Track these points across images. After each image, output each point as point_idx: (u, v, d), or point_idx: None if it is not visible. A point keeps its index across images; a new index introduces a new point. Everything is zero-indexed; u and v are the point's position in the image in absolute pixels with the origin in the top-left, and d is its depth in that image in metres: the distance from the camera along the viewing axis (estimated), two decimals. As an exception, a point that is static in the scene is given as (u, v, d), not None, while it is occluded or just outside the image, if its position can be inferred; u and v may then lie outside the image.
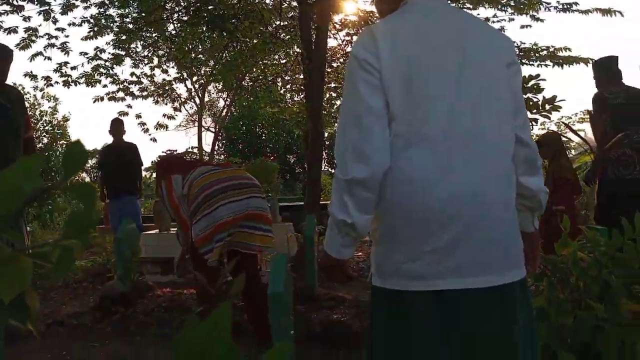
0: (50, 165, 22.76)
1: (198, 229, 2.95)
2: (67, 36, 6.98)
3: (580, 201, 6.27)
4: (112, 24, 7.52)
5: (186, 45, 9.10)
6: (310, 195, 6.28)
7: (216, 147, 18.69)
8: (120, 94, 8.38)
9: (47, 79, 7.24)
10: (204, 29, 8.12)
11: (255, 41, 8.94)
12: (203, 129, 18.08)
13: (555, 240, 2.18)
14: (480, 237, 1.32)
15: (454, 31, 1.43)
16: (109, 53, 7.78)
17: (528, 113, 4.21)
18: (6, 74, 3.42)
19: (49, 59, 7.00)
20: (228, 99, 17.81)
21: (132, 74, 8.57)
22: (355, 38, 8.80)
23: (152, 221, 7.78)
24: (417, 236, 1.33)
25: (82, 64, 7.57)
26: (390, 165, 1.35)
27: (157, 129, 9.54)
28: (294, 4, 8.10)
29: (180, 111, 12.42)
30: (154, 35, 8.38)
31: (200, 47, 9.83)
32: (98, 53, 7.69)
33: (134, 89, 8.58)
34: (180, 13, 8.02)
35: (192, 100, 15.61)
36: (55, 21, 6.76)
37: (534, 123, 4.31)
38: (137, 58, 8.55)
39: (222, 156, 22.11)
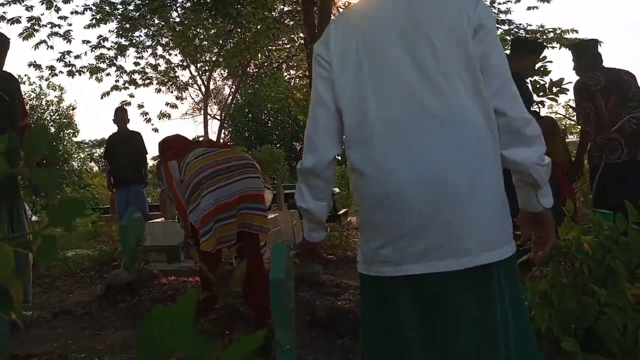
0: (57, 154, 22.87)
1: (195, 216, 2.94)
2: (69, 24, 6.95)
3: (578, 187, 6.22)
4: (115, 12, 7.50)
5: (190, 32, 9.07)
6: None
7: (222, 135, 18.68)
8: (123, 84, 8.36)
9: (52, 68, 7.25)
10: (207, 15, 8.08)
11: (259, 27, 8.89)
12: (209, 117, 18.07)
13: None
14: (446, 219, 1.28)
15: (407, 6, 1.36)
16: (112, 42, 7.77)
17: (535, 96, 4.19)
18: (2, 62, 3.42)
19: (52, 47, 7.00)
20: (233, 86, 17.77)
21: (136, 64, 8.55)
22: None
23: (158, 210, 7.82)
24: (385, 224, 1.34)
25: (85, 52, 7.57)
26: (348, 155, 1.40)
27: (159, 119, 9.53)
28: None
29: (185, 99, 12.37)
30: (157, 22, 8.36)
31: (204, 33, 9.80)
32: (101, 42, 7.68)
33: (137, 76, 8.56)
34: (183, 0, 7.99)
35: (198, 88, 15.58)
36: (57, 9, 6.75)
37: (540, 106, 4.25)
38: (140, 47, 8.53)
39: (221, 141, 22.10)
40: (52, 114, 24.47)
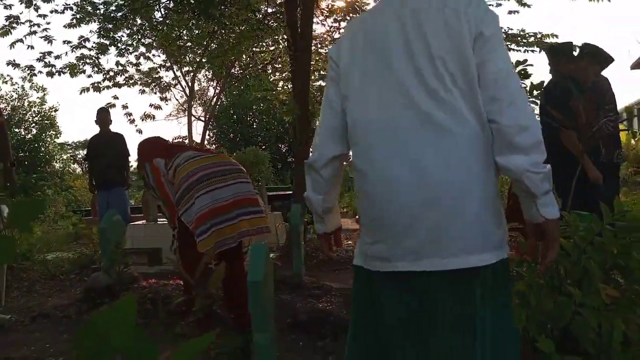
0: (39, 156, 22.57)
1: (188, 216, 2.91)
2: (48, 23, 6.87)
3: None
4: (96, 12, 7.42)
5: (173, 32, 9.01)
6: (298, 184, 6.27)
7: (207, 137, 18.58)
8: (106, 83, 8.27)
9: (30, 67, 7.14)
10: (191, 15, 8.03)
11: (242, 28, 8.86)
12: (193, 119, 17.96)
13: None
14: (435, 220, 1.32)
15: (410, 15, 1.39)
16: (93, 42, 7.68)
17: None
18: None
19: (32, 47, 6.90)
20: (218, 88, 17.69)
21: (117, 63, 8.46)
22: (343, 24, 8.74)
23: (140, 212, 7.74)
24: (378, 220, 1.41)
25: (66, 52, 7.47)
26: (351, 153, 1.51)
27: (143, 120, 9.46)
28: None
29: (169, 100, 12.27)
30: (139, 23, 8.28)
31: (187, 34, 9.73)
32: (82, 42, 7.59)
33: (120, 78, 8.47)
34: (166, 0, 7.93)
35: (182, 89, 15.48)
36: (37, 8, 6.66)
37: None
38: (122, 47, 8.44)
39: (214, 145, 21.99)
40: (34, 115, 24.16)
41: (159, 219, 6.16)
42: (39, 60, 7.13)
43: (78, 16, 7.22)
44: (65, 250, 6.95)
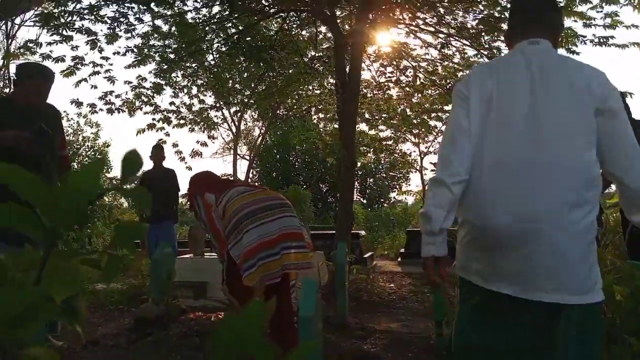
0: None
1: (237, 251, 2.98)
2: (111, 64, 7.28)
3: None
4: (154, 54, 7.85)
5: (224, 74, 9.40)
6: (341, 224, 6.31)
7: (250, 175, 18.97)
8: (160, 124, 8.65)
9: (92, 106, 7.56)
10: (242, 59, 8.38)
11: (290, 71, 9.16)
12: (238, 157, 18.40)
13: None
14: (537, 257, 1.50)
15: (539, 68, 1.63)
16: (150, 82, 8.10)
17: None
18: (46, 95, 3.59)
19: (95, 87, 7.33)
20: (263, 128, 18.15)
21: (172, 103, 8.85)
22: (389, 69, 8.92)
23: (186, 246, 7.91)
24: (487, 248, 1.60)
25: (126, 92, 7.89)
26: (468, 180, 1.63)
27: (192, 157, 9.79)
28: (329, 35, 8.30)
29: (216, 138, 12.67)
30: (193, 65, 8.69)
31: (237, 76, 10.12)
32: (140, 81, 8.01)
33: (172, 117, 8.85)
34: (219, 44, 8.32)
35: (229, 128, 15.96)
36: (100, 50, 7.10)
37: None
38: (176, 87, 8.85)
39: (257, 183, 22.37)
40: (87, 149, 25.23)
41: (205, 254, 6.30)
42: (100, 98, 7.55)
43: (138, 58, 7.66)
44: (114, 281, 7.14)
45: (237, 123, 16.06)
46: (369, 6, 6.31)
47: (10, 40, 7.20)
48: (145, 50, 7.72)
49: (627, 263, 2.37)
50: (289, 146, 22.98)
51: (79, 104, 7.45)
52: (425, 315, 4.77)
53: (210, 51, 8.44)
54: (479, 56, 7.47)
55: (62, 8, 6.25)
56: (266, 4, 7.38)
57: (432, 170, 13.48)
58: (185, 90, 9.03)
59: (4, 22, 6.95)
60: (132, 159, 0.62)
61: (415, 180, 44.90)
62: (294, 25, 8.49)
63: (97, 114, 7.57)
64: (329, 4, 6.62)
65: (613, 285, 2.06)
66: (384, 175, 25.65)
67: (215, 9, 7.73)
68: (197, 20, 7.70)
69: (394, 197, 26.17)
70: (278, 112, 14.80)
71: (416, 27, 7.61)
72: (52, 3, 6.39)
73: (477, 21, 6.95)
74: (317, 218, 17.91)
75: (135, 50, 7.58)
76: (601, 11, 6.10)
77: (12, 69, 7.76)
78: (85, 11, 6.38)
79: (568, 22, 6.48)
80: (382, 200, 25.74)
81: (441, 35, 7.66)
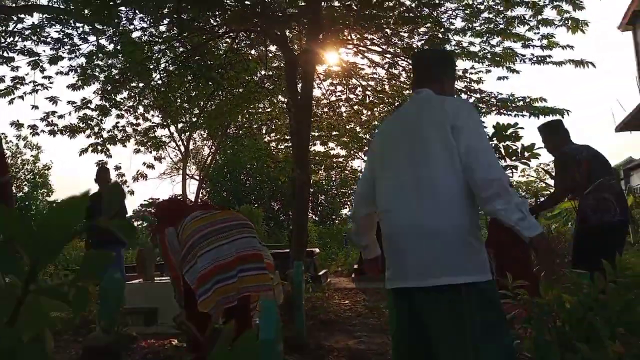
0: (30, 214, 22.40)
1: (191, 276, 2.92)
2: (51, 83, 6.96)
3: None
4: (99, 74, 7.64)
5: (172, 94, 9.25)
6: (297, 241, 6.30)
7: (200, 195, 18.65)
8: (107, 145, 8.37)
9: (33, 127, 7.26)
10: (190, 78, 8.29)
11: (241, 90, 9.14)
12: (187, 177, 18.08)
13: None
14: (418, 253, 1.88)
15: (414, 112, 2.10)
16: (95, 104, 7.85)
17: (508, 160, 4.41)
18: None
19: (36, 107, 7.05)
20: (213, 147, 17.94)
21: (116, 124, 8.60)
22: (339, 88, 9.05)
23: (134, 270, 7.67)
24: (388, 252, 2.04)
25: (70, 112, 7.63)
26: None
27: (135, 180, 9.53)
28: (279, 54, 8.35)
29: (164, 159, 12.41)
30: (140, 85, 8.51)
31: (185, 95, 9.99)
32: (85, 104, 7.77)
33: (118, 134, 8.60)
34: (167, 63, 8.20)
35: (177, 147, 15.68)
36: (42, 70, 6.86)
37: (514, 170, 4.46)
38: (122, 108, 8.62)
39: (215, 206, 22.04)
40: (26, 172, 24.19)
41: (155, 278, 6.12)
42: (42, 119, 7.27)
43: (82, 78, 7.43)
44: (57, 309, 6.81)
45: (185, 143, 15.81)
46: (318, 27, 6.41)
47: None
48: (89, 70, 7.51)
49: (572, 272, 2.48)
50: (239, 165, 22.81)
51: (19, 125, 7.15)
52: (382, 331, 4.81)
53: (157, 70, 8.30)
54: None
55: (3, 28, 6.01)
56: (215, 24, 7.36)
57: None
58: (131, 111, 8.81)
59: None
60: (115, 192, 0.61)
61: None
62: (243, 45, 8.50)
63: (39, 135, 7.27)
64: (280, 25, 6.68)
65: (562, 294, 2.15)
66: (335, 192, 25.84)
67: (163, 28, 7.63)
68: (144, 40, 7.57)
69: (345, 214, 26.38)
70: (228, 130, 14.67)
71: (364, 47, 7.78)
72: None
73: (422, 42, 7.19)
74: (270, 237, 17.77)
75: (78, 70, 7.36)
76: (538, 32, 6.45)
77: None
78: (28, 31, 6.16)
79: (507, 43, 6.80)
80: (333, 217, 25.85)
81: (388, 55, 7.86)
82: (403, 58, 7.64)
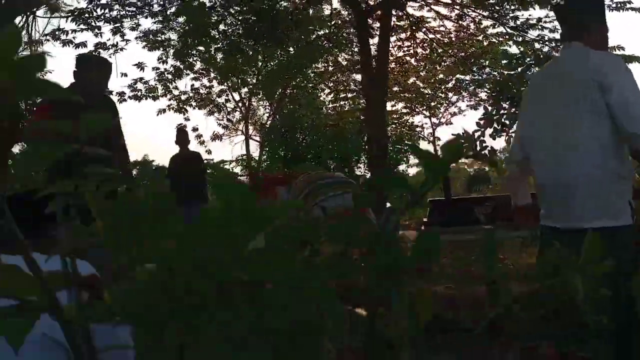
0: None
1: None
2: (127, 43, 7.15)
3: None
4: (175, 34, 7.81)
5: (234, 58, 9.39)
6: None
7: (263, 155, 19.09)
8: (178, 105, 8.72)
9: (121, 94, 7.63)
10: (253, 42, 8.35)
11: (302, 48, 9.15)
12: (248, 137, 18.48)
13: None
14: (566, 197, 2.08)
15: (561, 69, 2.23)
16: (171, 65, 8.13)
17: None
18: (104, 87, 3.65)
19: (125, 75, 7.41)
20: (270, 108, 18.18)
21: (192, 86, 8.93)
22: (406, 43, 8.99)
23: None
24: (542, 198, 2.25)
25: (154, 78, 7.94)
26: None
27: (212, 140, 9.92)
28: (343, 12, 8.35)
29: (232, 122, 12.78)
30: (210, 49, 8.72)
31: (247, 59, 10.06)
32: (161, 63, 8.02)
33: (192, 100, 8.95)
34: (236, 27, 8.32)
35: (238, 109, 16.04)
36: (122, 35, 7.14)
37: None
38: (196, 71, 8.90)
39: (266, 164, 22.48)
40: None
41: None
42: (129, 86, 7.64)
43: (155, 44, 7.70)
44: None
45: (246, 103, 16.11)
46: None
47: (30, 31, 7.25)
48: (160, 36, 7.68)
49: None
50: (297, 123, 23.00)
51: (108, 93, 7.55)
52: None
53: (227, 33, 8.42)
54: (497, 25, 7.56)
55: (96, 2, 6.33)
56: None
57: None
58: (205, 73, 9.10)
59: (25, 15, 6.99)
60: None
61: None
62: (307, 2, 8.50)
63: (126, 102, 7.65)
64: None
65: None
66: (391, 148, 25.70)
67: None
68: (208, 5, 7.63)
69: (403, 170, 26.31)
70: (286, 91, 14.79)
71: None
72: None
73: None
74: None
75: (154, 31, 7.55)
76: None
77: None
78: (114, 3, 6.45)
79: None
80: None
81: (457, 7, 7.73)
82: (472, 9, 7.50)
